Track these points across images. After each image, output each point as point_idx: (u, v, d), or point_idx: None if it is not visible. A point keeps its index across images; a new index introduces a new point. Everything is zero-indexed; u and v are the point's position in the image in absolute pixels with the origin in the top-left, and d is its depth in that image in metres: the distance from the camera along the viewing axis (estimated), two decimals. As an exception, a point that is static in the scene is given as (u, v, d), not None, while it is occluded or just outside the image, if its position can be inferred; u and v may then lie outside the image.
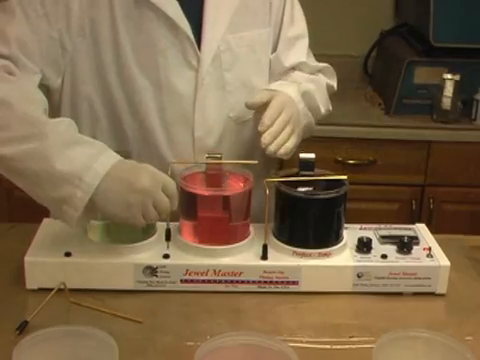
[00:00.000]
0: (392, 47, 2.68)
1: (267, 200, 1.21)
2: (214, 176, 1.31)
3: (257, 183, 1.27)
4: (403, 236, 1.29)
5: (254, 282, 1.23)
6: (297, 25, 1.47)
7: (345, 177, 1.28)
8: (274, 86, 1.39)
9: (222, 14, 1.34)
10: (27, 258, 1.21)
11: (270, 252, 1.25)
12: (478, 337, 1.14)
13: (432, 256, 1.26)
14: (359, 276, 1.24)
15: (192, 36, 1.31)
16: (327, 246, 1.26)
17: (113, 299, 1.20)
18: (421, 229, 1.36)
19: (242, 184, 1.30)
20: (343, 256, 1.26)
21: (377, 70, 2.78)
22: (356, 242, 1.28)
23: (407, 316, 1.20)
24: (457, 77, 2.36)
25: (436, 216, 2.43)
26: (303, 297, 1.23)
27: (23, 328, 1.09)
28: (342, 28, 2.78)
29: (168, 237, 1.25)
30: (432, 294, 1.26)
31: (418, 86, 2.45)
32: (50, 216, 1.32)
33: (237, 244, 1.26)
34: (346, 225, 1.31)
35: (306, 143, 1.46)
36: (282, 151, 1.28)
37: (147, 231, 1.25)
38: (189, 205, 1.27)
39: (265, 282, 1.23)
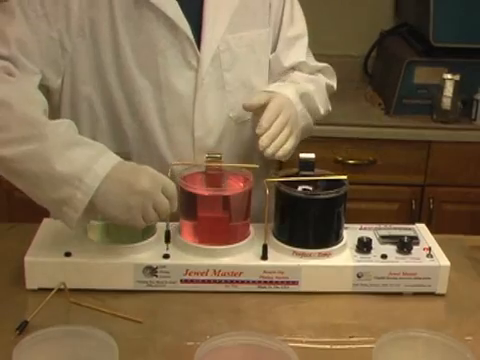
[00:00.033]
0: (392, 47, 2.68)
1: (267, 200, 1.21)
2: (214, 176, 1.31)
3: (257, 183, 1.27)
4: (403, 236, 1.29)
5: (254, 282, 1.23)
6: (297, 25, 1.47)
7: (345, 177, 1.29)
8: (272, 87, 1.39)
9: (222, 14, 1.34)
10: (27, 258, 1.21)
11: (270, 252, 1.25)
12: (478, 337, 1.14)
13: (432, 256, 1.26)
14: (359, 276, 1.24)
15: (192, 36, 1.31)
16: (327, 246, 1.26)
17: (113, 299, 1.20)
18: (421, 229, 1.36)
19: (242, 184, 1.30)
20: (343, 256, 1.26)
21: (377, 70, 2.78)
22: (356, 242, 1.28)
23: (407, 316, 1.20)
24: (457, 77, 2.36)
25: (436, 216, 2.43)
26: (303, 297, 1.23)
27: (23, 328, 1.09)
28: (342, 28, 2.78)
29: (167, 239, 1.25)
30: (432, 294, 1.26)
31: (418, 86, 2.45)
32: (50, 216, 1.31)
33: (237, 244, 1.26)
34: (346, 225, 1.31)
35: (306, 143, 1.46)
36: (280, 153, 1.28)
37: (147, 231, 1.25)
38: (189, 205, 1.27)
39: (265, 282, 1.23)
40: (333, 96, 1.56)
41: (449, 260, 1.26)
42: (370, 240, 1.27)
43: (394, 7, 2.82)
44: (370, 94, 2.64)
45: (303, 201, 1.25)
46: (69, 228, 1.19)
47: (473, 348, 1.01)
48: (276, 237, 1.28)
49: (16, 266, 1.24)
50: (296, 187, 1.26)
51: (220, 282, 1.23)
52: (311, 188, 1.28)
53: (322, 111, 1.48)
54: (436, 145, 2.39)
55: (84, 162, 1.15)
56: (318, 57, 1.55)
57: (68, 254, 1.22)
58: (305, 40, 1.50)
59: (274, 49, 1.46)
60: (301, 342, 1.12)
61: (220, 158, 1.29)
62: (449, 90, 2.37)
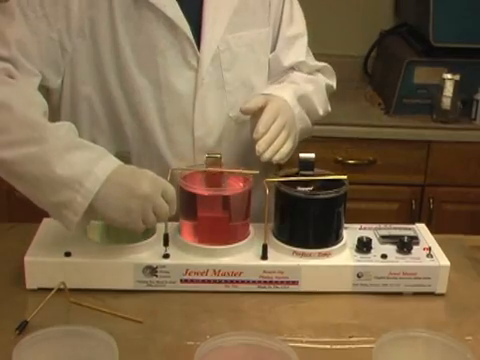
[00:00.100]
0: (392, 47, 2.68)
1: (267, 200, 1.21)
2: (214, 176, 1.31)
3: (257, 183, 1.27)
4: (403, 236, 1.29)
5: (254, 282, 1.23)
6: (296, 24, 1.47)
7: (345, 177, 1.29)
8: (270, 90, 1.38)
9: (221, 14, 1.34)
10: (27, 258, 1.21)
11: (270, 252, 1.25)
12: (478, 337, 1.14)
13: (432, 256, 1.26)
14: (359, 276, 1.24)
15: (191, 36, 1.31)
16: (327, 246, 1.26)
17: (113, 299, 1.20)
18: (421, 229, 1.36)
19: (242, 184, 1.30)
20: (343, 256, 1.26)
21: (377, 70, 2.78)
22: (356, 242, 1.28)
23: (407, 316, 1.20)
24: (457, 77, 2.36)
25: (436, 216, 2.43)
26: (303, 297, 1.23)
27: (23, 328, 1.09)
28: (342, 28, 2.78)
29: (166, 242, 1.25)
30: (432, 294, 1.26)
31: (418, 86, 2.45)
32: (50, 216, 1.32)
33: (237, 244, 1.26)
34: (346, 225, 1.31)
35: (306, 143, 1.46)
36: (277, 157, 1.28)
37: (147, 231, 1.25)
38: (189, 205, 1.27)
39: (265, 282, 1.23)
40: (333, 96, 1.56)
41: (449, 260, 1.26)
42: (370, 240, 1.27)
43: (394, 7, 2.82)
44: (370, 94, 2.64)
45: (303, 201, 1.25)
46: (68, 230, 1.19)
47: (473, 348, 1.01)
48: (276, 237, 1.28)
49: (16, 266, 1.24)
50: (296, 187, 1.26)
51: (220, 282, 1.23)
52: (311, 188, 1.28)
53: (321, 112, 1.48)
54: (436, 145, 2.39)
55: (84, 165, 1.15)
56: (318, 57, 1.55)
57: (68, 254, 1.22)
58: (305, 39, 1.49)
59: (274, 48, 1.46)
60: (301, 342, 1.12)
61: (220, 158, 1.29)
62: (449, 90, 2.37)
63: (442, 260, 1.26)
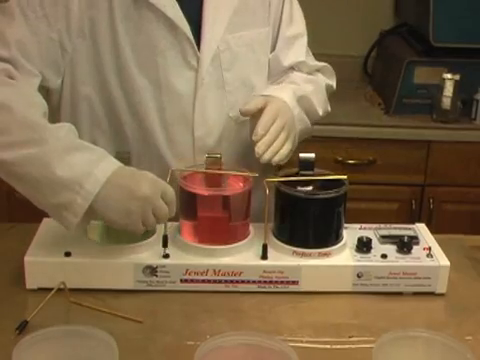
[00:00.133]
0: (392, 47, 2.68)
1: (267, 200, 1.21)
2: (214, 176, 1.31)
3: (257, 183, 1.27)
4: (403, 236, 1.29)
5: (254, 282, 1.23)
6: (296, 24, 1.47)
7: (345, 177, 1.29)
8: (269, 91, 1.38)
9: (221, 14, 1.34)
10: (27, 258, 1.21)
11: (270, 252, 1.25)
12: (478, 337, 1.14)
13: (432, 256, 1.26)
14: (359, 276, 1.24)
15: (191, 37, 1.31)
16: (327, 246, 1.26)
17: (113, 299, 1.20)
18: (421, 229, 1.36)
19: (242, 184, 1.30)
20: (343, 256, 1.26)
21: (377, 70, 2.78)
22: (356, 242, 1.28)
23: (407, 316, 1.20)
24: (457, 77, 2.36)
25: (436, 216, 2.43)
26: (303, 297, 1.23)
27: (23, 328, 1.09)
28: (342, 28, 2.78)
29: (165, 244, 1.24)
30: (432, 294, 1.26)
31: (418, 86, 2.45)
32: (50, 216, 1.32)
33: (237, 244, 1.26)
34: (346, 225, 1.31)
35: (306, 143, 1.46)
36: (276, 158, 1.28)
37: (147, 231, 1.25)
38: (189, 205, 1.27)
39: (265, 282, 1.23)
40: (333, 96, 1.56)
41: (449, 260, 1.26)
42: (370, 240, 1.27)
43: (394, 7, 2.82)
44: (370, 94, 2.64)
45: (303, 201, 1.25)
46: (68, 231, 1.19)
47: (473, 348, 1.01)
48: (276, 237, 1.28)
49: (16, 266, 1.24)
50: (296, 187, 1.26)
51: (220, 282, 1.23)
52: (311, 188, 1.28)
53: (321, 112, 1.48)
54: (436, 145, 2.39)
55: (84, 167, 1.15)
56: (318, 57, 1.55)
57: (68, 254, 1.22)
58: (304, 39, 1.50)
59: (273, 48, 1.46)
60: (301, 342, 1.12)
61: (220, 158, 1.29)
62: (449, 90, 2.37)
63: (442, 260, 1.26)
